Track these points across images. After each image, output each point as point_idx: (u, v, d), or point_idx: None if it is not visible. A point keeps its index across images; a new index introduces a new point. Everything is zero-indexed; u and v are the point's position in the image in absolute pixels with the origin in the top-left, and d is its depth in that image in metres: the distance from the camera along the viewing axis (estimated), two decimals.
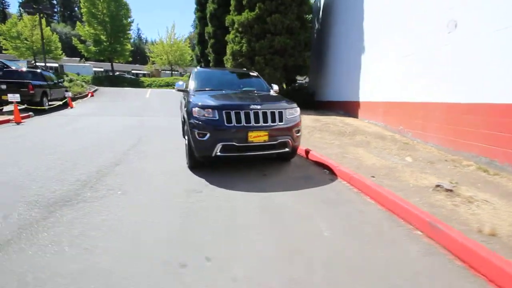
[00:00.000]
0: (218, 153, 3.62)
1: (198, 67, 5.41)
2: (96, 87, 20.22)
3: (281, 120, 3.79)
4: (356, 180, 3.41)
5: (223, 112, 3.58)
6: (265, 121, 3.67)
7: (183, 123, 6.10)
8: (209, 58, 16.34)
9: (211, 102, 3.75)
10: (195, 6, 18.67)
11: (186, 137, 4.22)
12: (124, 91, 20.65)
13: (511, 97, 3.41)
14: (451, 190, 3.05)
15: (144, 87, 28.52)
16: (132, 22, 29.99)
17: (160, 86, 31.19)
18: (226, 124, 3.56)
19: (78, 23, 28.52)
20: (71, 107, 12.52)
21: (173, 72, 46.72)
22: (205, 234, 2.29)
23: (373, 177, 3.58)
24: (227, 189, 3.29)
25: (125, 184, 3.39)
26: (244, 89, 4.97)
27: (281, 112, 3.82)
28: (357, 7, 8.66)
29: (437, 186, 3.17)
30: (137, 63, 54.39)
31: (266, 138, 3.64)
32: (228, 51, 12.34)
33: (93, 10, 26.16)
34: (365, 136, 6.04)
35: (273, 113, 3.73)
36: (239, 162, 4.37)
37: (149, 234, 2.27)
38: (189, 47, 47.11)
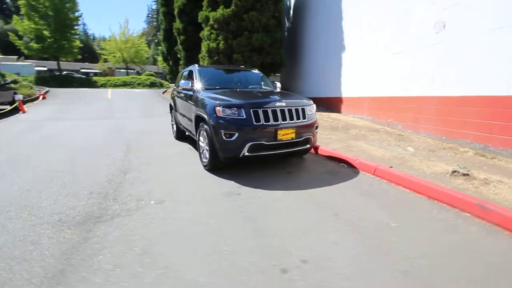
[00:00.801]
0: (246, 153, 3.51)
1: (196, 66, 5.13)
2: (48, 89, 17.99)
3: (304, 117, 3.80)
4: (381, 171, 3.59)
5: (251, 110, 3.47)
6: (291, 118, 3.65)
7: (178, 124, 5.79)
8: (178, 56, 15.61)
9: (236, 100, 3.60)
10: (158, 0, 17.67)
11: (202, 138, 4.02)
12: (80, 92, 18.73)
13: (502, 89, 3.90)
14: (467, 175, 3.38)
15: (98, 87, 26.24)
16: (80, 16, 27.32)
17: (116, 85, 29.05)
18: (254, 122, 3.46)
19: (15, 16, 24.88)
20: (23, 112, 10.96)
21: (128, 70, 43.86)
22: (286, 235, 2.20)
23: (391, 167, 3.80)
24: (263, 189, 3.21)
25: (153, 193, 3.10)
26: (251, 86, 4.87)
27: (303, 109, 3.83)
28: (332, 10, 9.06)
29: (454, 171, 3.49)
30: (86, 61, 49.69)
31: (293, 135, 3.63)
32: (204, 48, 11.96)
33: (32, 3, 23.10)
34: (359, 130, 6.36)
35: (297, 110, 3.73)
36: (257, 161, 4.28)
37: (226, 243, 2.11)
38: (145, 44, 44.58)
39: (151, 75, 38.00)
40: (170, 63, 17.64)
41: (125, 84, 30.34)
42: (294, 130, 3.62)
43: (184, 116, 5.13)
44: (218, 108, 3.54)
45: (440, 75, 4.93)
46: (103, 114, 10.84)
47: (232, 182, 3.46)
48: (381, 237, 2.20)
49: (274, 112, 3.56)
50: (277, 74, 15.15)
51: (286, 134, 3.56)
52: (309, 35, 11.47)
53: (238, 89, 4.47)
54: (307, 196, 3.03)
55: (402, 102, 5.94)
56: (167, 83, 34.12)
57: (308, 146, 3.96)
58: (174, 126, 6.40)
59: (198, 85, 4.52)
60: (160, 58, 40.42)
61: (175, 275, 1.76)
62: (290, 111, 3.66)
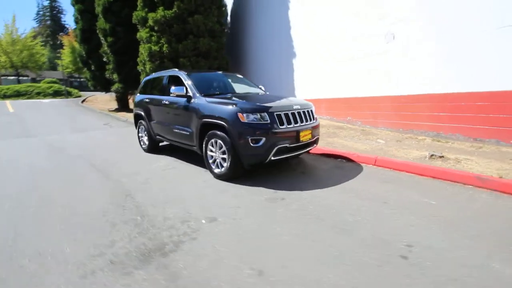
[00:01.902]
0: (272, 158, 3.50)
1: (180, 70, 4.72)
2: None
3: (314, 118, 4.03)
4: (381, 161, 4.13)
5: (275, 114, 3.48)
6: (306, 120, 3.82)
7: (152, 135, 5.24)
8: (104, 59, 13.70)
9: (256, 105, 3.54)
10: None
11: (213, 147, 3.79)
12: None
13: (448, 88, 5.02)
14: (442, 156, 4.22)
15: None
16: None
17: (6, 96, 23.62)
18: (280, 126, 3.49)
19: None
20: None
21: (20, 77, 36.21)
22: (370, 226, 2.32)
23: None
24: (299, 191, 3.26)
25: (190, 212, 2.78)
26: (246, 91, 4.81)
27: (312, 110, 4.06)
28: (275, 18, 9.70)
29: (432, 155, 4.29)
30: None
31: (310, 136, 3.80)
32: (144, 51, 10.95)
33: None
34: (327, 128, 7.02)
35: (309, 112, 3.93)
36: (264, 165, 4.27)
37: (331, 245, 2.10)
38: (40, 45, 37.51)
39: (54, 82, 32.17)
40: (92, 67, 15.32)
41: (18, 95, 25.03)
42: (310, 131, 3.80)
43: (170, 126, 4.66)
44: (240, 114, 3.41)
45: (394, 77, 5.94)
46: (18, 131, 8.70)
47: (262, 188, 3.38)
48: (438, 213, 2.58)
49: (293, 115, 3.66)
50: None
51: (305, 136, 3.71)
52: (254, 42, 11.85)
53: (240, 94, 4.37)
54: (342, 190, 3.25)
55: (360, 101, 6.86)
56: (76, 91, 29.44)
57: (315, 145, 4.20)
58: (144, 138, 5.72)
59: (193, 91, 4.20)
60: (63, 62, 34.54)
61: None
62: (304, 113, 3.83)
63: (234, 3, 13.10)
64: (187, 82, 4.40)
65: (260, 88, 5.27)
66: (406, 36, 5.68)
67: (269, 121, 3.44)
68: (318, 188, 3.33)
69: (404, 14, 5.65)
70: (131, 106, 17.25)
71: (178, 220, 2.61)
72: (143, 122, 5.68)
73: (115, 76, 13.84)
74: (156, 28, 10.86)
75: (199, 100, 4.04)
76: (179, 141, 4.59)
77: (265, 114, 3.45)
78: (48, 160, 5.14)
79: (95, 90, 17.80)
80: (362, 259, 1.94)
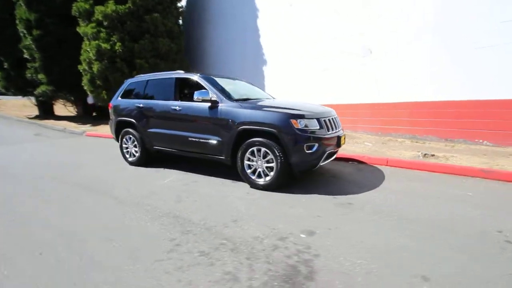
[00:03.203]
0: (321, 163, 3.51)
1: (199, 74, 4.23)
2: None
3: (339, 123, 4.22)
4: (393, 161, 4.60)
5: (322, 120, 3.50)
6: (339, 126, 3.97)
7: (147, 146, 4.67)
8: (26, 56, 11.09)
9: (305, 111, 3.48)
10: None
11: (251, 155, 3.57)
12: None
13: (426, 97, 5.94)
14: (433, 155, 4.97)
15: None
16: None
17: None
18: (327, 132, 3.52)
19: None
20: None
21: None
22: (449, 218, 2.54)
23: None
24: (356, 194, 3.34)
25: (275, 226, 2.54)
26: (260, 96, 4.64)
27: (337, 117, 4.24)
28: (238, 22, 9.75)
29: (425, 154, 5.01)
30: None
31: (344, 141, 3.95)
32: (91, 49, 9.39)
33: None
34: None
35: (337, 118, 4.08)
36: None
37: (447, 243, 2.21)
38: None
39: None
40: (5, 65, 12.23)
41: None
42: (344, 136, 3.95)
43: (184, 134, 4.14)
44: (294, 120, 3.31)
45: (373, 87, 6.70)
46: None
47: (317, 195, 3.34)
48: (485, 202, 3.04)
49: (332, 121, 3.75)
50: None
51: (343, 140, 3.84)
52: (215, 45, 11.48)
53: (269, 100, 4.20)
54: (387, 190, 3.46)
55: (339, 108, 7.44)
56: None
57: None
58: (133, 149, 4.93)
59: (219, 96, 3.86)
60: None
61: None
62: (337, 119, 3.97)
63: (187, 5, 12.46)
64: (208, 85, 4.01)
65: (269, 94, 5.19)
66: (382, 51, 6.50)
67: (319, 127, 3.45)
68: (367, 191, 3.48)
69: (381, 33, 6.48)
70: (58, 112, 14.37)
71: (274, 238, 2.35)
72: (131, 131, 4.87)
73: (41, 76, 11.44)
74: (105, 23, 9.52)
75: (229, 106, 3.73)
76: (197, 151, 4.12)
77: (314, 120, 3.45)
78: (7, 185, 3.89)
79: (7, 93, 14.22)
80: (483, 248, 2.14)
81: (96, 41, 9.36)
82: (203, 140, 3.97)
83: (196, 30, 12.23)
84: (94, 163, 5.33)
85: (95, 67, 9.45)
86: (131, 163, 5.02)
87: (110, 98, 10.69)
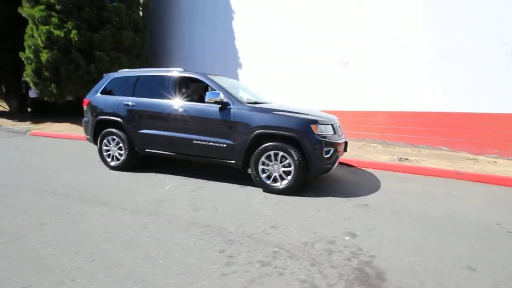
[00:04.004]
0: (334, 167, 3.66)
1: (205, 74, 3.96)
2: None
3: None
4: (379, 165, 5.04)
5: (333, 126, 3.65)
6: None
7: (132, 149, 4.27)
8: None
9: (321, 117, 3.58)
10: None
11: (267, 160, 3.53)
12: None
13: (397, 107, 6.65)
14: (407, 159, 5.60)
15: None
16: None
17: None
18: (338, 137, 3.68)
19: None
20: None
21: None
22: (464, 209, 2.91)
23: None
24: (365, 196, 3.58)
25: (315, 231, 2.56)
26: (265, 100, 4.58)
27: None
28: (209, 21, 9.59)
29: (400, 158, 5.62)
30: None
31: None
32: (40, 35, 8.08)
33: None
34: None
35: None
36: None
37: (479, 235, 2.52)
38: None
39: None
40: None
41: None
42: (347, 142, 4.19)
43: (187, 137, 3.85)
44: (314, 125, 3.38)
45: (348, 96, 7.24)
46: None
47: (333, 198, 3.47)
48: (470, 201, 3.55)
49: (339, 127, 3.95)
50: None
51: (347, 145, 4.07)
52: (179, 44, 10.92)
53: (277, 105, 4.16)
54: (392, 191, 3.79)
55: None
56: None
57: None
58: (116, 152, 4.41)
59: (231, 98, 3.71)
60: None
61: None
62: (340, 126, 4.18)
63: None
64: (218, 86, 3.82)
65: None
66: (356, 63, 7.10)
67: (333, 133, 3.59)
68: (373, 192, 3.74)
69: (355, 47, 7.08)
70: None
71: (324, 242, 2.36)
72: (116, 132, 4.33)
73: None
74: (58, 7, 8.30)
75: (243, 109, 3.63)
76: (202, 155, 3.87)
77: (330, 126, 3.58)
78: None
79: None
80: (493, 238, 2.52)
81: (47, 27, 8.08)
82: (211, 144, 3.75)
83: (160, 25, 11.49)
84: (64, 167, 4.58)
85: (44, 56, 8.13)
86: (113, 168, 4.45)
87: (60, 93, 9.38)
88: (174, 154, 4.08)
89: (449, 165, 5.09)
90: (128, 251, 2.16)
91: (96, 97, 4.57)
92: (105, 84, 4.59)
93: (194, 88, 4.35)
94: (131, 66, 9.90)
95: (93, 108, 4.54)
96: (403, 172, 4.88)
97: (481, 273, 2.00)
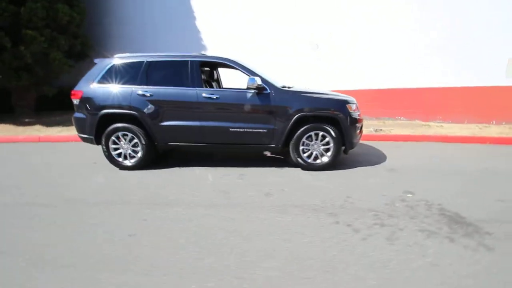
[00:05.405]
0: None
1: (234, 59, 3.80)
2: None
3: None
4: (369, 136, 5.88)
5: (356, 105, 4.11)
6: None
7: (151, 144, 3.92)
8: None
9: (348, 97, 3.97)
10: None
11: (308, 139, 3.78)
12: None
13: (361, 86, 7.57)
14: (381, 129, 6.65)
15: None
16: None
17: None
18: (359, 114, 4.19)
19: None
20: None
21: None
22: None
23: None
24: (383, 162, 4.23)
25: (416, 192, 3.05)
26: (288, 84, 4.67)
27: None
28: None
29: (376, 129, 6.62)
30: None
31: None
32: None
33: None
34: None
35: None
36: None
37: None
38: None
39: None
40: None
41: None
42: None
43: (221, 125, 3.75)
44: (349, 105, 3.78)
45: (324, 76, 7.86)
46: None
47: (363, 167, 4.00)
48: (475, 157, 4.61)
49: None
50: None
51: None
52: (130, 27, 9.62)
53: (304, 87, 4.32)
54: (395, 157, 4.58)
55: None
56: None
57: None
58: (129, 150, 3.93)
59: (268, 83, 3.75)
60: None
61: None
62: None
63: None
64: (249, 70, 3.80)
65: None
66: (327, 45, 7.76)
67: (358, 111, 4.07)
68: (387, 159, 4.38)
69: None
70: None
71: (399, 202, 2.83)
72: (129, 127, 3.84)
73: None
74: None
75: (282, 93, 3.75)
76: (240, 142, 3.84)
77: (356, 105, 4.03)
78: None
79: None
80: None
81: None
82: (250, 130, 3.76)
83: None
84: (67, 173, 3.85)
85: None
86: (127, 168, 3.96)
87: None
88: (205, 144, 3.92)
89: (412, 131, 6.31)
90: (274, 242, 2.19)
91: (92, 87, 3.88)
92: (103, 72, 3.91)
93: (213, 73, 4.17)
94: (71, 48, 8.37)
95: (90, 101, 3.85)
96: (386, 140, 5.84)
97: (508, 202, 2.82)
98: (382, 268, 1.84)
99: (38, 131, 6.81)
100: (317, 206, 2.77)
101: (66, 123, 7.35)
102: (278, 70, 7.43)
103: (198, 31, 8.98)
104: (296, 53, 8.08)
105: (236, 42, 8.47)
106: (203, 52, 8.75)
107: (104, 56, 4.22)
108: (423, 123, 7.10)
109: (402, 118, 7.56)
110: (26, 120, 7.97)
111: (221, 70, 5.00)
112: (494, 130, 6.21)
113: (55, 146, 5.79)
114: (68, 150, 5.39)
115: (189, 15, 8.88)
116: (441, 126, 6.76)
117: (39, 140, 6.14)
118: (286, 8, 8.05)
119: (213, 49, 8.87)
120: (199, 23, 8.93)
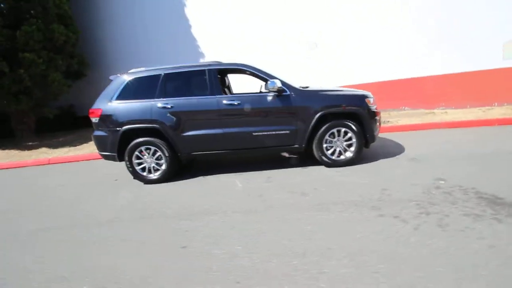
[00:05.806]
0: None
1: (249, 64, 3.86)
2: None
3: None
4: (384, 128, 5.97)
5: (373, 99, 4.19)
6: None
7: (174, 155, 3.91)
8: None
9: (365, 92, 4.04)
10: None
11: (331, 137, 3.83)
12: None
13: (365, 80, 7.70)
14: (389, 121, 6.76)
15: None
16: None
17: None
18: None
19: None
20: None
21: None
22: None
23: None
24: (404, 153, 4.31)
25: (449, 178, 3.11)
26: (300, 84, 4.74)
27: None
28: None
29: (383, 121, 6.72)
30: None
31: None
32: None
33: None
34: None
35: None
36: None
37: None
38: None
39: None
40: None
41: None
42: None
43: (245, 130, 3.78)
44: (367, 99, 3.85)
45: (314, 74, 7.95)
46: None
47: (385, 159, 4.07)
48: (488, 141, 4.72)
49: None
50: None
51: None
52: (118, 43, 9.62)
53: (319, 86, 4.38)
54: (415, 146, 4.67)
55: None
56: None
57: None
58: (153, 163, 3.93)
59: (286, 84, 3.80)
60: None
61: None
62: None
63: None
64: (267, 74, 3.85)
65: None
66: (324, 45, 7.86)
67: (375, 105, 4.14)
68: (406, 150, 4.43)
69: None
70: None
71: (434, 189, 2.89)
72: (152, 140, 3.83)
73: None
74: None
75: (301, 93, 3.80)
76: (264, 146, 3.87)
77: (373, 99, 4.11)
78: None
79: None
80: None
81: None
82: (273, 133, 3.79)
83: (90, 17, 9.70)
84: (89, 194, 3.80)
85: None
86: (152, 181, 3.94)
87: None
88: (228, 151, 3.93)
89: (420, 120, 6.44)
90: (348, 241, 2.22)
91: (110, 105, 3.86)
92: (120, 88, 3.90)
93: (225, 80, 4.20)
94: (68, 67, 8.28)
95: (110, 118, 3.83)
96: (395, 131, 5.94)
97: None
98: (445, 255, 1.88)
99: (45, 153, 6.70)
100: (357, 201, 2.81)
101: (72, 143, 7.27)
102: (268, 69, 7.53)
103: (189, 31, 8.99)
104: (286, 51, 8.17)
105: (226, 41, 8.54)
106: (196, 53, 8.90)
107: (114, 74, 4.20)
108: (428, 111, 7.24)
109: (406, 108, 7.70)
110: (29, 143, 7.83)
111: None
112: (497, 112, 6.38)
113: (67, 167, 5.72)
114: (82, 170, 5.34)
115: (181, 15, 8.89)
116: (446, 112, 6.91)
117: (49, 162, 6.04)
118: (275, 7, 8.15)
119: (203, 48, 8.96)
120: (191, 23, 8.95)
